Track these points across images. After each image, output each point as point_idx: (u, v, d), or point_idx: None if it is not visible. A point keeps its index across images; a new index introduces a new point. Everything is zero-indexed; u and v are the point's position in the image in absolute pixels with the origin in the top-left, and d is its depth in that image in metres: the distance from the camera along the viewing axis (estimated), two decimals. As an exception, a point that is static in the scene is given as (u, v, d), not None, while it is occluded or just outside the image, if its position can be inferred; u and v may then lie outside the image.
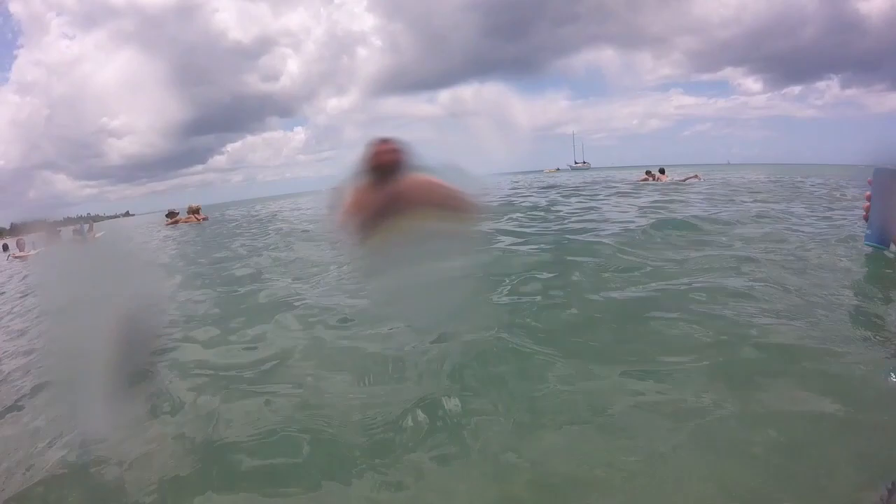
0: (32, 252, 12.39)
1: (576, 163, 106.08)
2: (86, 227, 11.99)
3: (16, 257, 12.60)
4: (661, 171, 14.77)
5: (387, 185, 2.72)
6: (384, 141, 2.76)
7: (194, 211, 14.20)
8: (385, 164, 2.72)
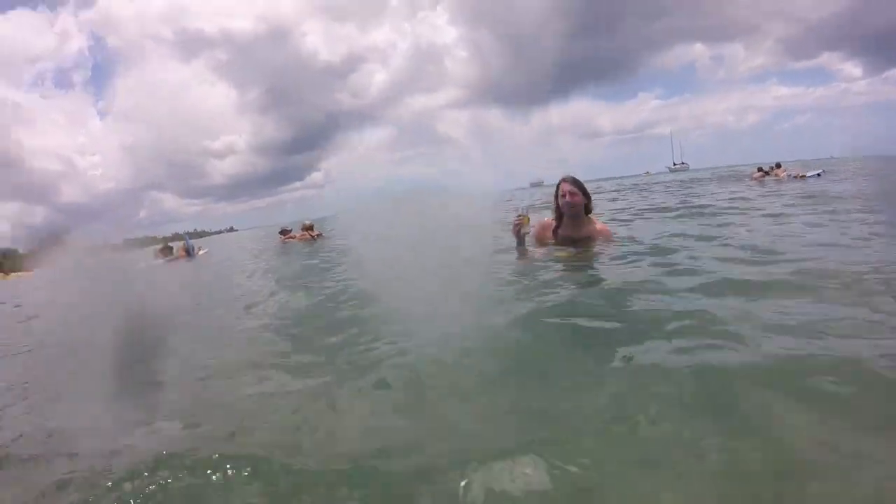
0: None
1: (675, 164, 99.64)
2: (192, 243, 12.96)
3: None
4: (778, 166, 14.40)
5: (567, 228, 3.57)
6: (566, 182, 3.49)
7: (308, 228, 13.98)
8: (570, 206, 3.47)
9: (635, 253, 3.43)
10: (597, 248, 3.51)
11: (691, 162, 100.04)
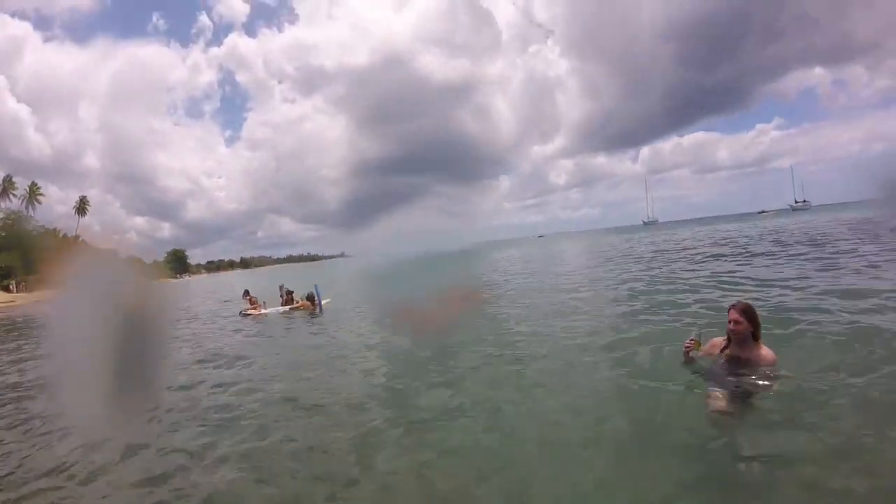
0: (264, 311, 12.04)
1: (796, 202, 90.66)
2: (320, 292, 11.66)
3: (247, 314, 12.10)
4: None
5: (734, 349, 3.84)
6: (735, 309, 3.77)
7: (309, 298, 11.98)
8: (734, 332, 3.78)
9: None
10: (762, 389, 3.65)
11: (813, 198, 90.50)
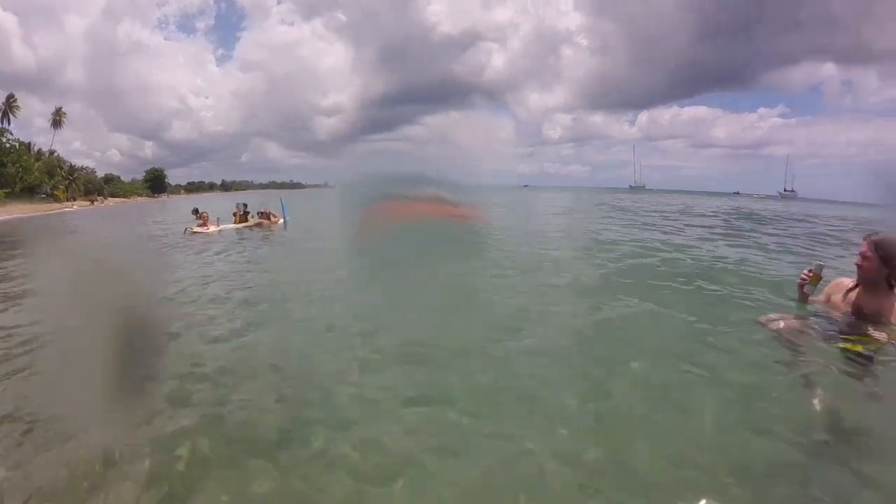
0: (214, 229, 11.32)
1: (785, 190, 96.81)
2: (286, 208, 11.53)
3: (194, 232, 11.07)
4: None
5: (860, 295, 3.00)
6: (866, 241, 2.93)
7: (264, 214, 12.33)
8: (859, 270, 2.96)
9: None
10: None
11: (801, 190, 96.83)
